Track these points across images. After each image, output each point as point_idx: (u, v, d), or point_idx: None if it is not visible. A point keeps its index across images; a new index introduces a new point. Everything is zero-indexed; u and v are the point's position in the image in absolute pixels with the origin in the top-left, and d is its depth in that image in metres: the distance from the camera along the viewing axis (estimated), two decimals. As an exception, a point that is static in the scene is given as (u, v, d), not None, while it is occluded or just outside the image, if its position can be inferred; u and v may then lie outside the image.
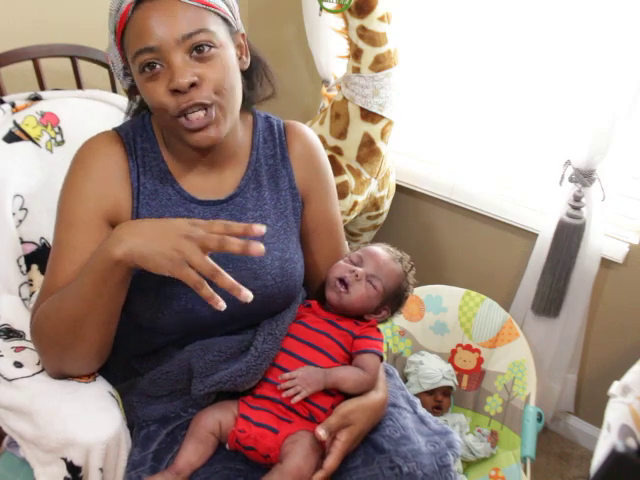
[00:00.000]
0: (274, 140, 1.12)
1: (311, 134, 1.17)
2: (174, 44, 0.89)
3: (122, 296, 0.93)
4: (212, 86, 0.92)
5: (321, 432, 0.94)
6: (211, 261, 0.83)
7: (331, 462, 0.93)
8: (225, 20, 0.96)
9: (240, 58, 1.01)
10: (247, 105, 1.08)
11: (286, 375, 1.00)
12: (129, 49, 0.92)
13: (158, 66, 0.90)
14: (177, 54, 0.89)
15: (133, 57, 0.91)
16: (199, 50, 0.91)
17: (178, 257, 0.83)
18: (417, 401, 1.14)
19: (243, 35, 1.02)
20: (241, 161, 1.09)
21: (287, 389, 0.98)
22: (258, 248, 0.83)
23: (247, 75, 1.06)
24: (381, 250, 1.16)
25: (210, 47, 0.91)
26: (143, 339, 1.06)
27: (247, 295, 0.83)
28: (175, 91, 0.90)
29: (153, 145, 1.04)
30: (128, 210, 1.02)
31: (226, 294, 0.90)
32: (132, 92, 1.05)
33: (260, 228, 0.84)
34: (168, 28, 0.88)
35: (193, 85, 0.90)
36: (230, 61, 0.95)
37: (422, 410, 1.12)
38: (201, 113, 0.92)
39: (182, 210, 1.03)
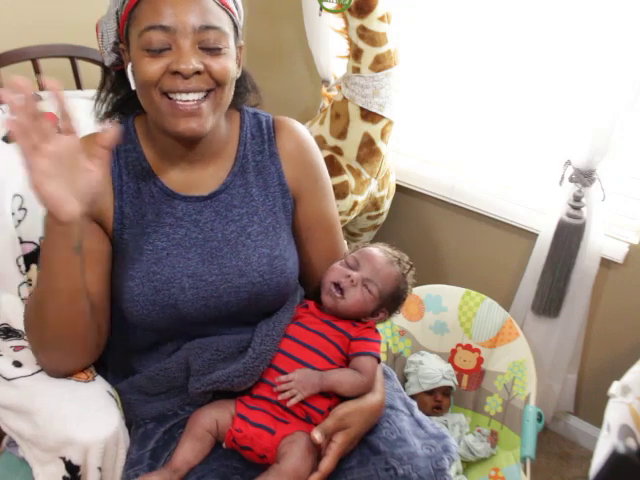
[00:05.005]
0: (262, 136, 1.11)
1: (302, 130, 1.14)
2: (190, 30, 0.90)
3: (67, 271, 0.91)
4: (215, 76, 0.93)
5: (317, 435, 0.93)
6: None
7: (327, 464, 0.93)
8: (235, 28, 0.99)
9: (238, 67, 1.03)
10: (234, 105, 1.09)
11: (282, 378, 0.99)
12: (139, 22, 0.92)
13: (166, 50, 0.91)
14: (187, 40, 0.91)
15: (141, 31, 0.91)
16: (209, 46, 0.92)
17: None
18: (414, 404, 1.14)
19: (241, 47, 1.04)
20: (227, 157, 1.08)
21: (283, 392, 0.98)
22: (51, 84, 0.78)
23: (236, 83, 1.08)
24: (378, 252, 1.13)
25: (219, 48, 0.93)
26: (137, 337, 1.06)
27: None
28: (176, 73, 0.90)
29: (136, 146, 1.05)
30: (110, 208, 1.02)
31: (210, 288, 0.99)
32: (110, 70, 1.05)
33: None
34: (189, 14, 0.90)
35: (197, 73, 0.92)
36: (232, 63, 0.97)
37: (419, 413, 1.11)
38: (195, 96, 0.92)
39: (165, 207, 1.03)
